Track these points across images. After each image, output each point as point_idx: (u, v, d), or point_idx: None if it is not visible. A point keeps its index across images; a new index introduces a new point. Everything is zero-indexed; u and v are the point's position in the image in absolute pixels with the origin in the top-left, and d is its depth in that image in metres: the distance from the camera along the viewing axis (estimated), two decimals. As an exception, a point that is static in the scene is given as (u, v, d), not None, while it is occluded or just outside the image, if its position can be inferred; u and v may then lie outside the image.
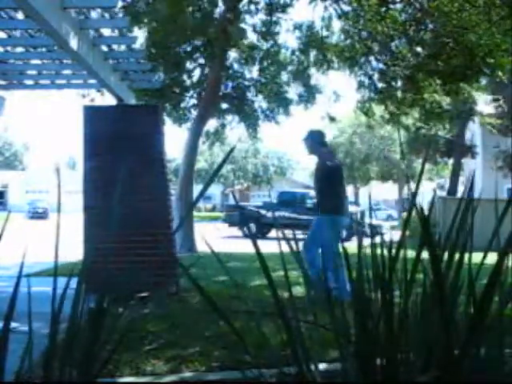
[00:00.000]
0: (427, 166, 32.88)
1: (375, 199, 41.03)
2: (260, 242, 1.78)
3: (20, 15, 5.00)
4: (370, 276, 1.82)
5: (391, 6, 9.91)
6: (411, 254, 1.74)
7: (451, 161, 24.75)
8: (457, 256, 1.74)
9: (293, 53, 13.02)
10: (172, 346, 3.31)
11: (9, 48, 5.84)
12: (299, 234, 5.93)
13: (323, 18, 11.57)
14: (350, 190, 44.75)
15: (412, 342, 1.76)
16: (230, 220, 22.22)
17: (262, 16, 12.03)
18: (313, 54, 12.54)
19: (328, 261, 4.04)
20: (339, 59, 11.68)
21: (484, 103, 19.06)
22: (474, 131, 25.22)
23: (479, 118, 19.66)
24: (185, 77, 13.01)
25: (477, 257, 1.80)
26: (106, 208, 3.77)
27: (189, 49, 12.18)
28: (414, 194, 1.78)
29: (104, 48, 5.63)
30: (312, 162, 42.02)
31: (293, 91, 14.03)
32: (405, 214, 24.59)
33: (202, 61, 12.87)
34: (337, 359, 1.85)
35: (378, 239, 1.83)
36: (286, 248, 1.85)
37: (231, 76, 13.48)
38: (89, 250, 3.10)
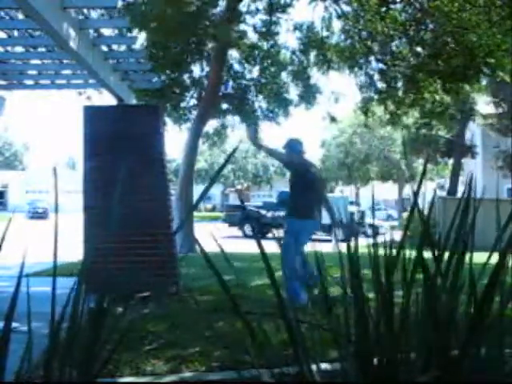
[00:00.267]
0: (428, 165, 32.88)
1: (375, 199, 40.97)
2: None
3: (20, 15, 5.01)
4: (370, 276, 1.82)
5: (391, 6, 9.91)
6: (411, 254, 1.74)
7: (451, 161, 24.75)
8: (457, 256, 1.74)
9: (293, 53, 13.03)
10: (172, 346, 3.31)
11: (9, 48, 5.84)
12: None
13: (323, 18, 11.58)
14: (349, 190, 44.75)
15: (412, 341, 1.76)
16: (230, 220, 22.24)
17: (262, 16, 12.05)
18: (313, 54, 12.55)
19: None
20: (339, 59, 11.68)
21: (484, 103, 19.06)
22: (473, 131, 25.23)
23: (479, 118, 19.67)
24: (185, 77, 13.02)
25: (477, 257, 1.80)
26: (106, 208, 3.77)
27: (189, 49, 12.17)
28: (416, 195, 1.78)
29: (104, 48, 5.63)
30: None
31: (293, 91, 14.05)
32: (405, 214, 24.60)
33: (202, 61, 12.87)
34: (337, 359, 1.85)
35: (378, 239, 1.83)
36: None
37: (231, 76, 13.48)
38: (89, 250, 3.09)
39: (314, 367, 1.69)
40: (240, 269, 7.26)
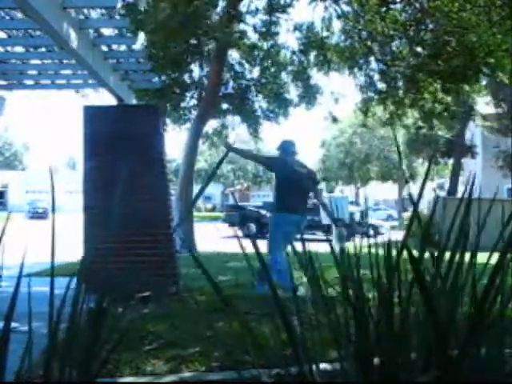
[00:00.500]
0: (427, 165, 32.88)
1: (375, 199, 41.05)
2: (260, 242, 1.78)
3: (20, 15, 5.00)
4: (370, 276, 1.82)
5: (391, 6, 9.91)
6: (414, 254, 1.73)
7: (451, 161, 24.75)
8: (456, 256, 1.74)
9: (293, 53, 13.03)
10: (172, 346, 3.31)
11: (9, 48, 5.84)
12: (299, 234, 5.95)
13: (323, 19, 11.58)
14: (349, 190, 44.76)
15: (412, 341, 1.76)
16: (230, 220, 22.23)
17: (262, 16, 12.03)
18: (313, 54, 12.54)
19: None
20: (339, 59, 11.68)
21: (484, 103, 19.06)
22: (473, 131, 25.23)
23: (479, 119, 19.67)
24: (185, 77, 13.01)
25: (479, 256, 1.80)
26: (106, 208, 3.77)
27: (189, 49, 12.16)
28: (419, 195, 1.78)
29: (104, 48, 5.63)
30: (311, 162, 42.02)
31: (293, 91, 14.05)
32: (405, 214, 24.59)
33: (202, 61, 12.87)
34: (337, 359, 1.85)
35: (378, 239, 1.83)
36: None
37: (231, 76, 13.48)
38: (89, 250, 3.09)
39: (314, 367, 1.69)
40: (240, 269, 7.25)
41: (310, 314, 1.85)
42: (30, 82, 6.62)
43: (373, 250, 1.91)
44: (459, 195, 19.66)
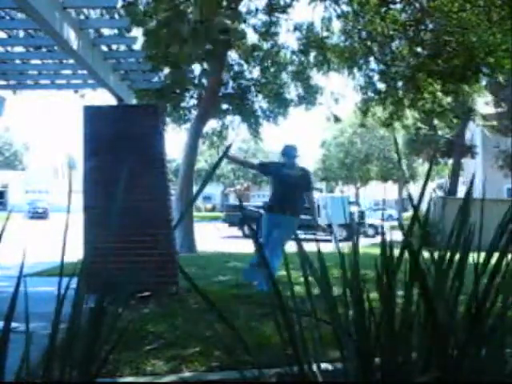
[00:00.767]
0: (427, 166, 32.89)
1: (375, 199, 41.07)
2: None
3: (20, 15, 5.00)
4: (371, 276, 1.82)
5: (391, 6, 9.90)
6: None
7: (451, 161, 24.76)
8: (457, 256, 1.75)
9: (293, 53, 13.03)
10: (172, 346, 3.31)
11: (9, 48, 5.84)
12: (299, 234, 5.97)
13: (323, 19, 11.58)
14: (349, 190, 44.76)
15: (412, 341, 1.76)
16: (230, 220, 22.23)
17: (262, 16, 12.04)
18: (313, 54, 12.54)
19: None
20: (339, 60, 11.68)
21: (484, 103, 19.06)
22: (474, 131, 25.23)
23: (479, 119, 19.65)
24: (185, 77, 13.00)
25: (478, 257, 1.80)
26: (106, 208, 3.77)
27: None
28: (421, 196, 1.79)
29: (104, 48, 5.62)
30: (311, 162, 42.02)
31: (293, 92, 14.04)
32: (405, 215, 24.60)
33: (202, 61, 12.86)
34: (337, 359, 1.85)
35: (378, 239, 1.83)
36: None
37: (231, 76, 13.48)
38: (89, 250, 3.09)
39: (314, 367, 1.69)
40: (240, 269, 7.25)
41: (311, 314, 1.85)
42: (30, 82, 6.61)
43: (372, 251, 1.92)
44: (459, 195, 19.67)
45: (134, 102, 7.85)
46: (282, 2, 11.71)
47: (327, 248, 5.20)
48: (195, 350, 3.19)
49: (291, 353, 1.66)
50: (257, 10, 11.88)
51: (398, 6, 10.08)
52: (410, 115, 14.52)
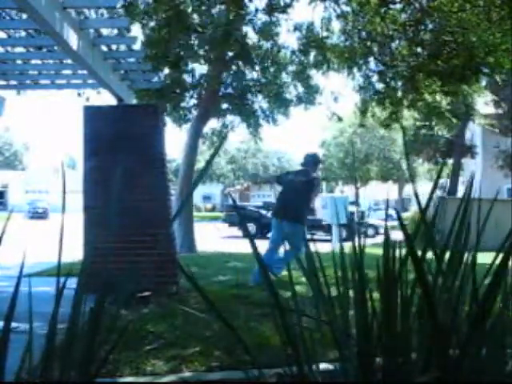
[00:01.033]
0: (427, 166, 32.90)
1: (375, 199, 41.08)
2: (261, 242, 1.78)
3: (20, 15, 5.00)
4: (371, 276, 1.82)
5: (391, 6, 9.90)
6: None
7: (451, 161, 24.75)
8: (455, 256, 1.74)
9: (293, 53, 13.01)
10: (172, 346, 3.31)
11: (9, 48, 5.83)
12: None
13: (323, 19, 11.57)
14: (349, 190, 44.74)
15: (412, 341, 1.76)
16: (230, 220, 22.23)
17: (262, 16, 12.03)
18: (313, 54, 12.53)
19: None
20: (339, 59, 11.67)
21: (484, 103, 19.05)
22: (474, 131, 25.22)
23: (479, 119, 19.64)
24: (185, 76, 13.00)
25: (480, 257, 1.80)
26: (106, 208, 3.77)
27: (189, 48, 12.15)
28: (430, 197, 1.78)
29: (104, 48, 5.62)
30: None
31: (293, 92, 14.02)
32: (405, 215, 24.62)
33: (202, 61, 12.86)
34: (337, 359, 1.85)
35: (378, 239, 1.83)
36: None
37: (231, 76, 13.47)
38: (89, 250, 3.09)
39: (314, 367, 1.69)
40: (240, 269, 7.26)
41: (311, 313, 1.85)
42: (30, 82, 6.61)
43: (373, 251, 1.92)
44: (459, 195, 19.66)
45: (134, 101, 7.85)
46: (281, 2, 11.70)
47: (327, 248, 5.21)
48: (195, 350, 3.19)
49: (291, 353, 1.66)
50: (257, 10, 11.87)
51: (398, 6, 10.07)
52: (410, 116, 14.52)
